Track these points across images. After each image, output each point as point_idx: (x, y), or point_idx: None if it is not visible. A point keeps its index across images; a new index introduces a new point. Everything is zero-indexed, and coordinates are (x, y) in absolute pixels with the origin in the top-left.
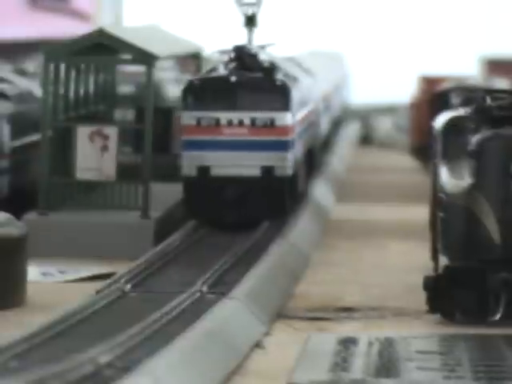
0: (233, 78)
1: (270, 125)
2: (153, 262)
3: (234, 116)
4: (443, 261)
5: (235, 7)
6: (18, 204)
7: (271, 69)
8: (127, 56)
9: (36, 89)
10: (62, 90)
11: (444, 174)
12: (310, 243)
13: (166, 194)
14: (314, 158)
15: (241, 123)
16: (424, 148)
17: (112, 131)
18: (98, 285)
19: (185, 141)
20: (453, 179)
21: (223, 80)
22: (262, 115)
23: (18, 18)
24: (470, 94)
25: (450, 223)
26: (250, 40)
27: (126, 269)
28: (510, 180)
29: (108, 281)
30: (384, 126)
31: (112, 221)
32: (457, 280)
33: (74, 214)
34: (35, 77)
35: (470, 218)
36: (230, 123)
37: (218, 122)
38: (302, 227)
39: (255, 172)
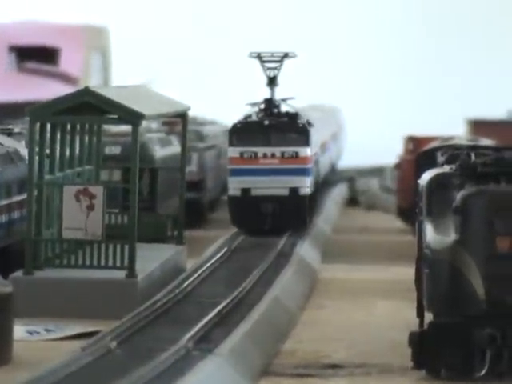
0: (266, 122)
1: (295, 156)
2: (138, 320)
3: (268, 150)
4: (428, 317)
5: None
6: (3, 263)
7: (295, 115)
8: (113, 115)
9: (22, 149)
10: (47, 150)
11: (429, 230)
12: (297, 302)
13: (152, 254)
14: (319, 185)
15: (273, 155)
16: (411, 209)
17: (98, 190)
18: (84, 343)
19: (231, 169)
20: (438, 235)
21: (259, 123)
22: (289, 149)
23: (5, 82)
24: (455, 151)
25: (435, 279)
26: (272, 95)
27: (112, 326)
28: (494, 236)
29: (93, 338)
30: (371, 187)
31: (98, 280)
32: (442, 336)
33: (59, 273)
34: (21, 137)
35: (454, 273)
36: (265, 155)
37: (256, 154)
38: (288, 286)
39: (284, 192)
